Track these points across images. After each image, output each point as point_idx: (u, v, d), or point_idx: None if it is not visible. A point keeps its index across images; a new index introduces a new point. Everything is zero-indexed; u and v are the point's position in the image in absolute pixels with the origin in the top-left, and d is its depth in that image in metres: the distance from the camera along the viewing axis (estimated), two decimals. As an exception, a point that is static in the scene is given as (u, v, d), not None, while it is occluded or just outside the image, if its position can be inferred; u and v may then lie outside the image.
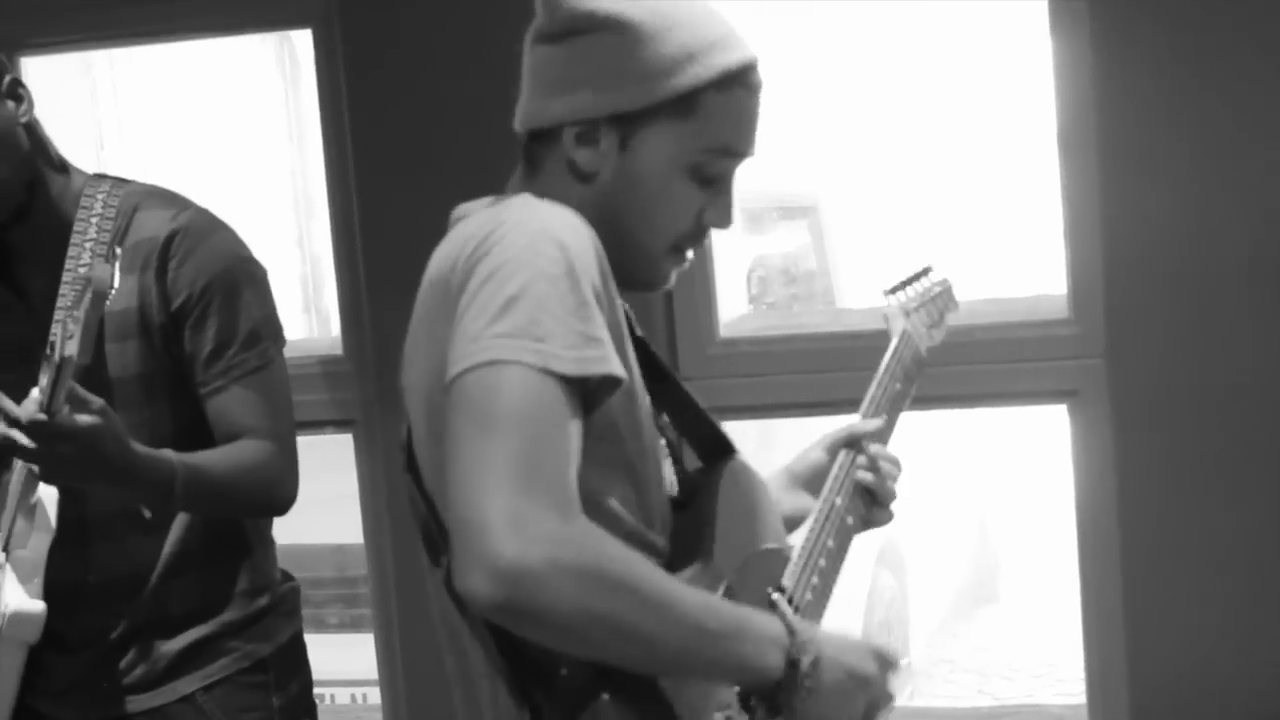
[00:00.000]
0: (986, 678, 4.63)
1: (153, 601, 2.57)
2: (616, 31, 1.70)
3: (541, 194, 1.72)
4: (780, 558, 1.81)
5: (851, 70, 3.78)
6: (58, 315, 2.47)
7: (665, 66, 1.71)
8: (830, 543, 1.88)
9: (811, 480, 2.01)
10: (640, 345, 1.82)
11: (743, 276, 3.46)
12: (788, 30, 3.54)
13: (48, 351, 2.33)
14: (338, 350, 3.36)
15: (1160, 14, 2.91)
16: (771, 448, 3.62)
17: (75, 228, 2.52)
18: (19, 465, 2.49)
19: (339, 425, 3.32)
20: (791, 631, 1.60)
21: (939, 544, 4.57)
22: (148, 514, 2.55)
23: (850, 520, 1.94)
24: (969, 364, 2.95)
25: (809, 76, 3.81)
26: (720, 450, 1.90)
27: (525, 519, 1.48)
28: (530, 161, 1.79)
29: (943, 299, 2.32)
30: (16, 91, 2.45)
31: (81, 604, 2.54)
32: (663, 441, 1.83)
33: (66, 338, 2.24)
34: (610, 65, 1.71)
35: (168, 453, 2.44)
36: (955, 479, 4.36)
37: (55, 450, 2.29)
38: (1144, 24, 2.91)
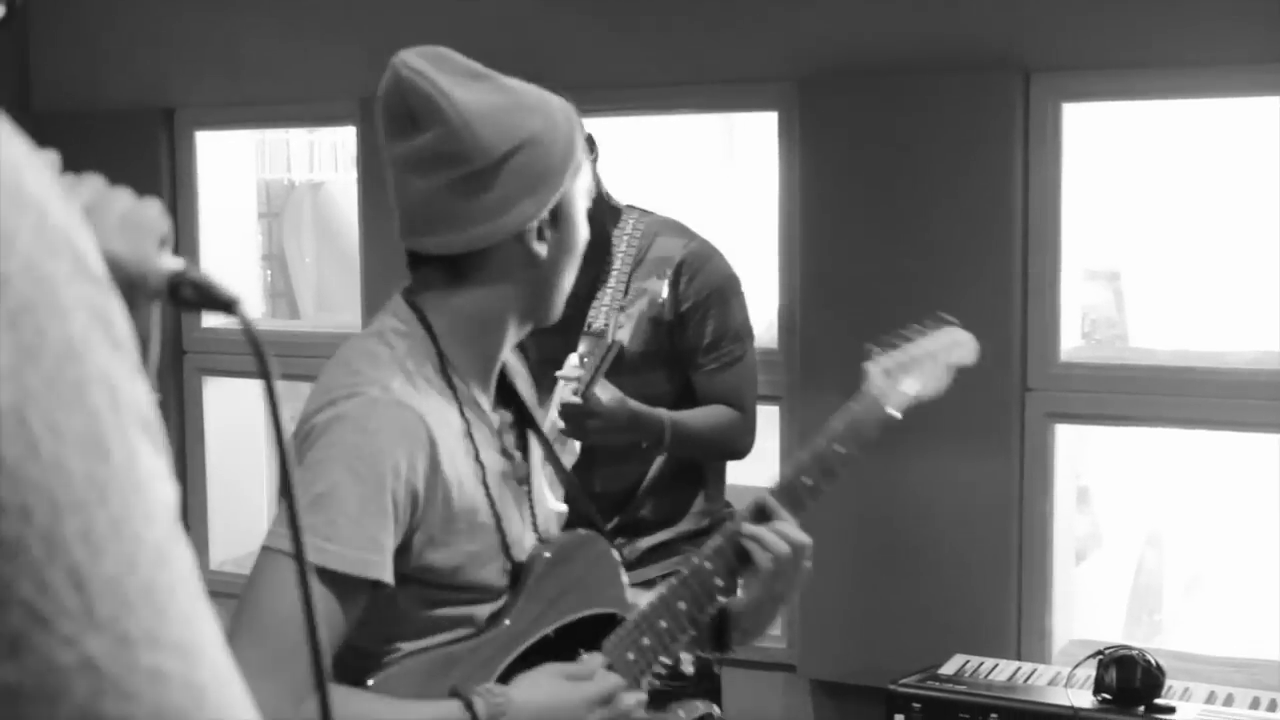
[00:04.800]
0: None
1: (635, 509, 3.20)
2: (534, 144, 1.84)
3: (473, 302, 1.89)
4: (611, 621, 2.02)
5: (1146, 171, 4.50)
6: (597, 302, 3.10)
7: (568, 147, 1.89)
8: (681, 605, 2.02)
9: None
10: (540, 437, 2.06)
11: (1078, 318, 4.12)
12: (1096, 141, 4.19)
13: (586, 328, 3.05)
14: (772, 344, 4.03)
15: None
16: (1085, 444, 4.37)
17: (612, 240, 3.15)
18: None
19: (768, 400, 3.86)
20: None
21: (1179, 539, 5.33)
22: (645, 445, 3.14)
23: (719, 581, 2.05)
24: (1222, 397, 3.65)
25: (1117, 177, 4.50)
26: (587, 526, 2.11)
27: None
28: (453, 273, 1.89)
29: (943, 354, 2.27)
30: (589, 141, 3.03)
31: (586, 506, 3.16)
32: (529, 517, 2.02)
33: (618, 327, 2.93)
34: (537, 170, 1.85)
35: (660, 412, 3.06)
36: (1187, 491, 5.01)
37: (584, 424, 2.96)
38: None
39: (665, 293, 2.95)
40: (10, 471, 0.62)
